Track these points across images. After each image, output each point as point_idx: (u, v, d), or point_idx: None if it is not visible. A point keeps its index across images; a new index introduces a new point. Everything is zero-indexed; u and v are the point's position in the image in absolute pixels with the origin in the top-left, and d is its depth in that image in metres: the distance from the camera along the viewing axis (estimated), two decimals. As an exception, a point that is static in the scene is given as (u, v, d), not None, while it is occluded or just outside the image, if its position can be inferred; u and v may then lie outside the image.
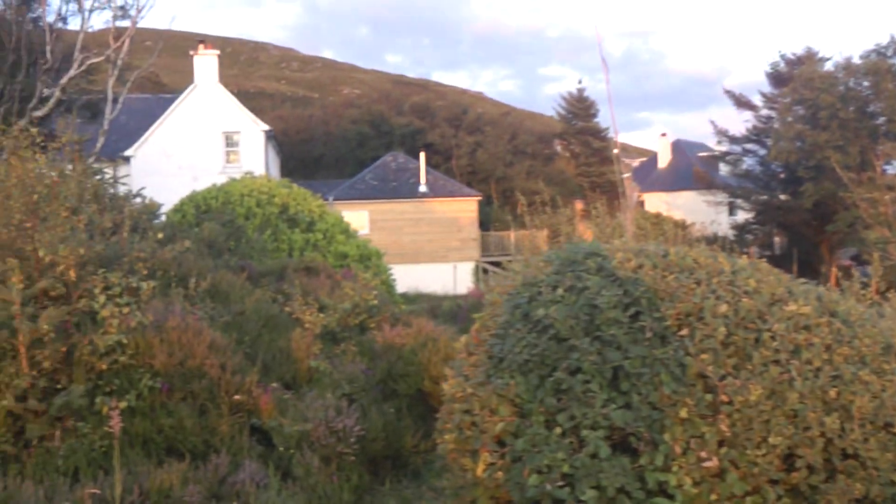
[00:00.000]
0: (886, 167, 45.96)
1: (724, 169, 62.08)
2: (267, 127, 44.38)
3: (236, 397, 8.43)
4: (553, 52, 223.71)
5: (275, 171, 46.08)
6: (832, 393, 5.51)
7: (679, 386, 5.41)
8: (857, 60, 53.10)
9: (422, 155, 48.79)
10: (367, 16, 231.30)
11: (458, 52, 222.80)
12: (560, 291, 6.17)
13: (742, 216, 58.80)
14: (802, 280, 6.91)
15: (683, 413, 5.30)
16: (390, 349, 10.32)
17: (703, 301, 5.87)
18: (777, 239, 59.25)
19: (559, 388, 5.63)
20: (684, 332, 5.73)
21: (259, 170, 37.95)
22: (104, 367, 8.33)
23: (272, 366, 9.64)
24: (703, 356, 5.51)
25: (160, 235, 10.84)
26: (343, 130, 66.42)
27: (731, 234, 55.45)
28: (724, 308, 5.83)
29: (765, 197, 56.63)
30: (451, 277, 40.09)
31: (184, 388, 8.54)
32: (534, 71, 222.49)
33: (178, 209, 19.88)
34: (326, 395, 8.57)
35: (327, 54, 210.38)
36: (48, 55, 28.31)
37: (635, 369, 5.48)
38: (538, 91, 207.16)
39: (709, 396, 5.39)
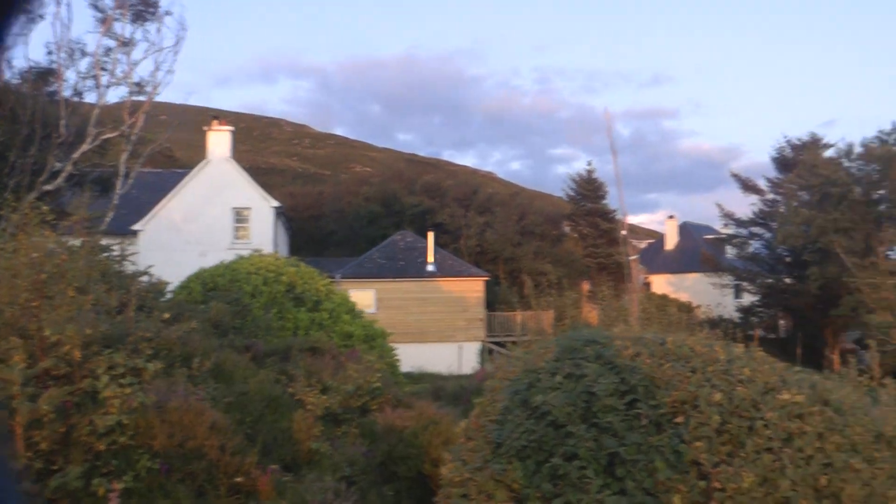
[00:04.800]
0: (889, 253, 46.22)
1: (730, 251, 62.29)
2: (277, 203, 44.60)
3: (237, 479, 8.42)
4: (563, 133, 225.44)
5: (284, 248, 46.26)
6: (823, 480, 5.58)
7: (673, 473, 5.46)
8: (859, 147, 53.96)
9: (429, 234, 48.96)
10: (380, 94, 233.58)
11: (469, 132, 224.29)
12: (559, 378, 6.26)
13: (748, 299, 58.81)
14: (798, 368, 7.01)
15: (677, 500, 5.36)
16: (391, 431, 10.33)
17: (698, 389, 5.96)
18: (782, 322, 59.15)
19: (556, 474, 5.69)
20: (680, 419, 5.80)
21: (268, 246, 38.15)
22: (102, 447, 8.24)
23: (273, 447, 9.63)
24: (698, 444, 5.58)
25: (166, 316, 10.88)
26: (354, 208, 66.75)
27: (736, 316, 55.42)
28: (718, 396, 5.91)
29: (770, 280, 56.72)
30: (457, 357, 39.94)
31: (183, 469, 8.51)
32: (544, 151, 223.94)
33: (185, 286, 19.97)
34: (326, 477, 8.57)
35: (340, 131, 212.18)
36: (62, 129, 28.43)
37: (631, 456, 5.54)
38: (548, 172, 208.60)
39: (702, 483, 5.45)
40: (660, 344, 6.62)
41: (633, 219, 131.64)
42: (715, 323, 35.12)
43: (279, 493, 8.44)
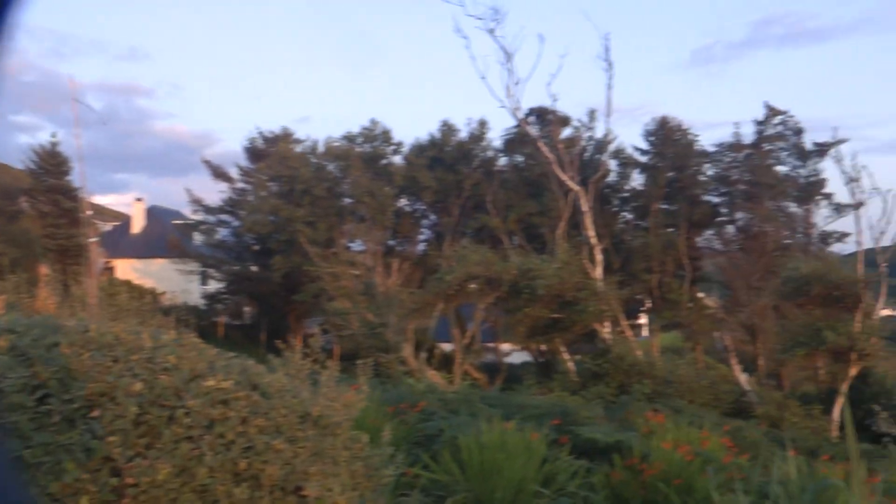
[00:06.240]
0: (350, 244, 49.29)
1: (198, 238, 62.42)
2: None
3: None
4: (27, 98, 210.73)
5: None
6: (243, 464, 5.59)
7: (83, 472, 5.14)
8: (335, 143, 57.30)
9: None
10: None
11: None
12: (-36, 373, 5.66)
13: (214, 285, 59.39)
14: (232, 354, 7.00)
15: (85, 501, 5.04)
16: None
17: (117, 380, 5.68)
18: (247, 308, 60.63)
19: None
20: (96, 413, 5.48)
21: None
22: None
23: None
24: (112, 438, 5.29)
25: None
26: None
27: (202, 303, 55.83)
28: (138, 386, 5.66)
29: (237, 267, 57.89)
30: None
31: None
32: (4, 117, 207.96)
33: None
34: None
35: None
36: None
37: (37, 459, 5.12)
38: (8, 140, 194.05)
39: (115, 480, 5.18)
40: (82, 332, 6.25)
41: (100, 199, 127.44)
42: (173, 309, 35.09)
43: None
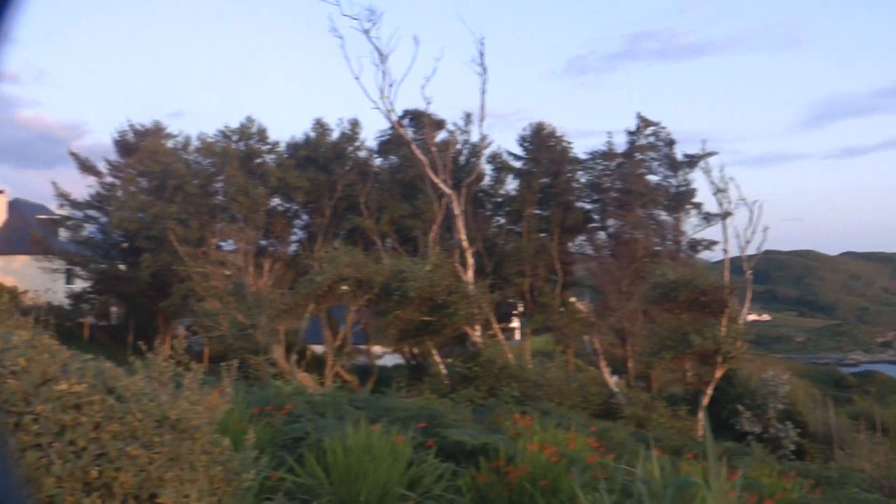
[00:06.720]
0: (222, 243, 48.38)
1: (64, 234, 60.24)
2: None
3: None
4: None
5: None
6: (94, 472, 5.36)
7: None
8: (210, 139, 56.19)
9: None
10: None
11: None
12: None
13: (80, 284, 57.46)
14: (90, 357, 6.74)
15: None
16: None
17: (-26, 385, 5.42)
18: (115, 309, 58.88)
19: None
20: (-54, 420, 5.21)
21: None
22: None
23: None
24: (-49, 447, 5.04)
25: None
26: None
27: (67, 303, 54.05)
28: (-15, 391, 5.42)
29: (104, 265, 56.15)
30: None
31: None
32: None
33: None
34: None
35: None
36: None
37: None
38: None
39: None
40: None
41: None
42: (33, 309, 33.93)
43: None
